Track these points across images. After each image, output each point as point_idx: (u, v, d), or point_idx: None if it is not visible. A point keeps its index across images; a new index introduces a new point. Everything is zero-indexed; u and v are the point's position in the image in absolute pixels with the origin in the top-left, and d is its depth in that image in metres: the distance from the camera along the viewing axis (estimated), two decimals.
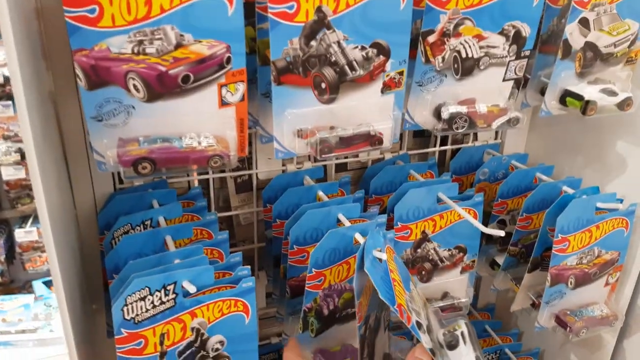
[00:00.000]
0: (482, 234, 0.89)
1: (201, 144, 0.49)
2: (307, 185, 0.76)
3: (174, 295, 0.53)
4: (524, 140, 0.99)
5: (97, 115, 0.47)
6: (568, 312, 0.80)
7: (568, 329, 0.78)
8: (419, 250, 0.79)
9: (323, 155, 0.53)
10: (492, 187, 0.90)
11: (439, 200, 0.77)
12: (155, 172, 0.48)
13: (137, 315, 0.52)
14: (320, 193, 0.76)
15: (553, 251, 0.75)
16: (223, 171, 0.82)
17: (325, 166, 0.87)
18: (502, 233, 0.68)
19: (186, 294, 0.55)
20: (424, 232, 0.78)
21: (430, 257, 0.80)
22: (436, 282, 0.82)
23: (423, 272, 0.81)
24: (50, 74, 0.60)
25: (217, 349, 0.57)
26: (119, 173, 0.73)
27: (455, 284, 0.83)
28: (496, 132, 0.98)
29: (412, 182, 0.79)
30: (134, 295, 0.51)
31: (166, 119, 0.49)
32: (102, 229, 0.68)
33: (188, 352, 0.56)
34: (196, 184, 0.83)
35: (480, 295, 1.10)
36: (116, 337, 0.52)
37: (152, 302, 0.52)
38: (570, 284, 0.79)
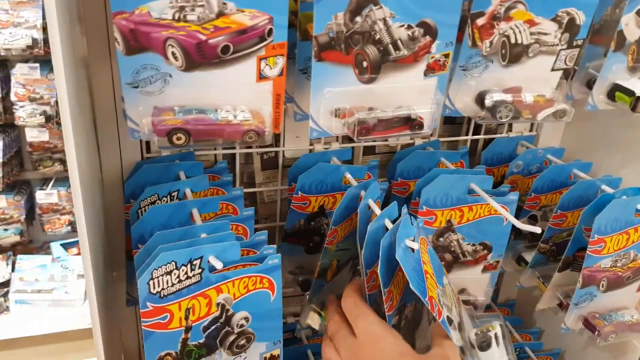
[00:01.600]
0: (511, 231, 0.87)
1: (237, 118, 0.47)
2: (336, 164, 0.75)
3: (200, 270, 0.53)
4: (560, 134, 0.95)
5: (134, 81, 0.46)
6: (597, 315, 0.78)
7: (597, 332, 0.76)
8: (441, 239, 0.77)
9: (360, 137, 0.51)
10: (525, 181, 0.87)
11: (469, 192, 0.75)
12: (189, 143, 0.47)
13: (162, 289, 0.51)
14: (348, 175, 0.74)
15: (588, 252, 0.72)
16: (250, 147, 0.81)
17: (353, 148, 0.85)
18: (538, 230, 0.66)
19: (212, 269, 0.54)
20: (449, 221, 0.76)
21: (452, 249, 0.78)
22: (454, 276, 0.80)
23: (442, 263, 0.79)
24: (85, 38, 0.59)
25: (242, 325, 0.57)
26: (147, 142, 0.73)
27: (475, 282, 0.81)
28: (532, 124, 0.95)
29: (443, 169, 0.76)
30: (160, 269, 0.51)
31: (203, 89, 0.48)
32: (128, 197, 0.67)
33: (213, 327, 0.56)
34: (221, 158, 0.82)
35: (501, 290, 1.08)
36: (142, 310, 0.51)
37: (178, 277, 0.52)
38: (602, 286, 0.76)
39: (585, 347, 0.95)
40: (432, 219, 0.75)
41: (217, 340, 0.56)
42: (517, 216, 0.86)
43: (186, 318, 0.53)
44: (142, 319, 0.51)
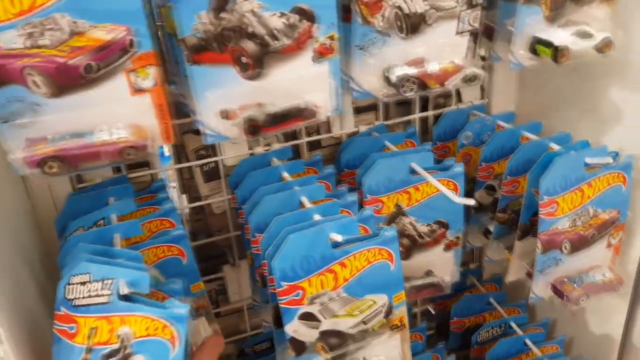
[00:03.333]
0: (467, 207, 0.84)
1: (112, 136, 0.46)
2: (271, 167, 0.73)
3: (109, 292, 0.51)
4: (513, 99, 0.92)
5: (2, 116, 0.45)
6: (566, 280, 0.74)
7: (565, 297, 0.72)
8: (393, 224, 0.74)
9: (250, 136, 0.49)
10: (478, 152, 0.84)
11: (413, 172, 0.72)
12: (68, 170, 0.45)
13: (76, 298, 0.50)
14: (285, 174, 0.72)
15: (540, 215, 0.69)
16: (188, 160, 0.80)
17: (297, 146, 0.83)
18: (472, 202, 0.63)
19: (122, 295, 0.52)
20: (397, 205, 0.74)
21: (407, 233, 0.75)
22: (417, 260, 0.77)
23: (401, 249, 0.76)
24: None
25: None
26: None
27: (440, 262, 0.78)
28: (482, 92, 0.91)
29: (382, 153, 0.74)
30: (77, 277, 0.50)
31: (77, 112, 0.47)
32: (60, 233, 0.66)
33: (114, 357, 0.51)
34: (161, 176, 0.81)
35: (484, 266, 1.04)
36: (55, 312, 0.50)
37: (89, 291, 0.50)
38: (565, 249, 0.73)
39: (574, 314, 0.91)
40: (379, 206, 0.73)
41: None
42: (473, 188, 0.83)
43: (89, 337, 0.51)
44: (54, 321, 0.50)
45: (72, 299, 0.51)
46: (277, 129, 0.51)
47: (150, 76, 0.47)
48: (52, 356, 0.51)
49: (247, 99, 0.50)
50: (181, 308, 0.48)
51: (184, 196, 0.87)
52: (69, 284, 0.50)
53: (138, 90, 0.47)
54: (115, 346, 0.50)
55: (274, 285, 0.58)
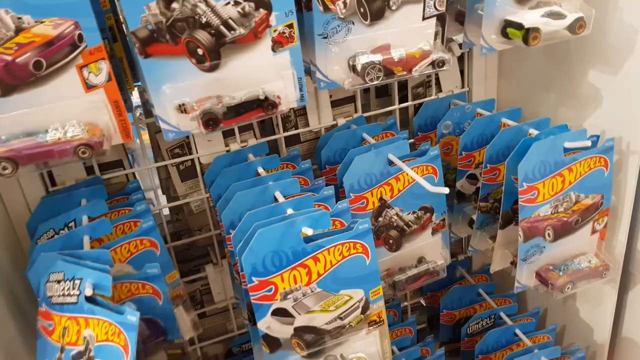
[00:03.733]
0: (454, 195, 0.82)
1: (67, 135, 0.45)
2: (245, 163, 0.72)
3: (77, 292, 0.50)
4: (494, 86, 0.90)
5: None
6: (551, 268, 0.73)
7: (550, 286, 0.71)
8: (380, 219, 0.73)
9: (209, 129, 0.48)
10: (459, 141, 0.83)
11: (391, 163, 0.71)
12: (21, 171, 0.44)
13: (53, 296, 0.50)
14: (260, 170, 0.71)
15: (520, 202, 0.67)
16: (163, 159, 0.79)
17: (275, 142, 0.82)
18: (445, 190, 0.61)
19: (87, 297, 0.51)
20: (381, 198, 0.73)
21: (395, 224, 0.74)
22: (408, 249, 0.76)
23: (390, 241, 0.75)
24: None
25: None
26: (50, 175, 0.72)
27: (429, 246, 0.77)
28: (462, 80, 0.90)
29: (358, 149, 0.72)
30: (54, 274, 0.50)
31: (29, 112, 0.46)
32: (32, 235, 0.66)
33: None
34: (137, 177, 0.80)
35: (473, 257, 1.03)
36: (39, 308, 0.50)
37: (63, 290, 0.50)
38: (548, 236, 0.71)
39: (564, 302, 0.90)
40: (363, 203, 0.72)
41: None
42: (456, 178, 0.82)
43: (62, 336, 0.50)
44: (37, 317, 0.51)
45: (51, 297, 0.51)
46: (237, 121, 0.49)
47: (102, 71, 0.46)
48: (37, 350, 0.52)
49: (204, 91, 0.49)
50: (132, 315, 0.47)
51: (163, 197, 0.86)
52: (48, 282, 0.51)
53: (91, 87, 0.46)
54: (81, 348, 0.50)
55: (245, 282, 0.57)
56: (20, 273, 0.68)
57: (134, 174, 0.79)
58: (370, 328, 0.61)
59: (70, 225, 0.63)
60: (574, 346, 0.84)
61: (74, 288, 0.51)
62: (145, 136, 0.81)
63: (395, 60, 0.54)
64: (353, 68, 0.55)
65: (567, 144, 0.67)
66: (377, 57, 0.54)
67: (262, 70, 0.51)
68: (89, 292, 0.49)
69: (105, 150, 0.46)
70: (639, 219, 0.74)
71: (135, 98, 0.72)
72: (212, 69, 0.49)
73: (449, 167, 0.84)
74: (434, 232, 0.76)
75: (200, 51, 0.48)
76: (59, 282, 0.51)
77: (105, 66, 0.46)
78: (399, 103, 0.84)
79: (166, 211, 0.89)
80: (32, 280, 0.55)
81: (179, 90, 0.49)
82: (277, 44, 0.50)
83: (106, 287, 0.49)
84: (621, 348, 0.84)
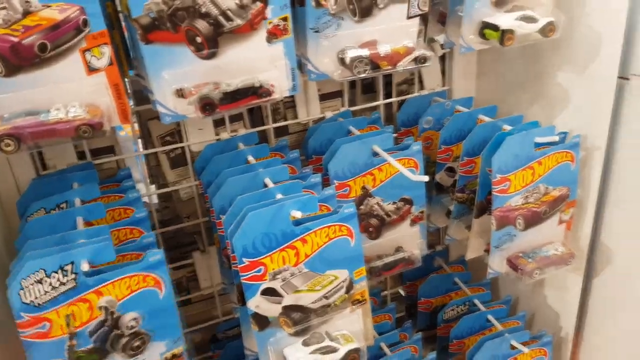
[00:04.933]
0: (433, 187, 0.87)
1: (68, 115, 0.47)
2: (236, 151, 0.74)
3: (73, 276, 0.52)
4: (473, 85, 0.95)
5: None
6: (521, 255, 0.78)
7: (520, 271, 0.76)
8: (362, 207, 0.77)
9: (205, 114, 0.51)
10: (439, 136, 0.87)
11: (376, 154, 0.75)
12: (21, 149, 0.46)
13: (36, 298, 0.51)
14: (250, 158, 0.73)
15: (493, 192, 0.72)
16: (153, 146, 0.81)
17: (264, 132, 0.85)
18: (425, 178, 0.65)
19: (89, 273, 0.53)
20: (364, 187, 0.76)
21: (376, 213, 0.78)
22: (387, 238, 0.80)
23: (370, 229, 0.78)
24: None
25: (132, 327, 0.56)
26: (41, 158, 0.73)
27: (407, 237, 0.81)
28: (443, 78, 0.94)
29: (344, 138, 0.76)
30: (29, 278, 0.50)
31: (33, 92, 0.47)
32: (21, 214, 0.67)
33: (100, 331, 0.55)
34: (127, 164, 0.82)
35: (450, 248, 1.08)
36: (17, 321, 0.51)
37: (51, 284, 0.51)
38: (519, 225, 0.76)
39: (533, 290, 0.95)
40: (346, 190, 0.75)
41: (109, 344, 0.55)
42: (435, 171, 0.86)
43: (68, 325, 0.52)
44: (19, 330, 0.51)
45: (32, 301, 0.51)
46: (232, 107, 0.52)
47: (104, 55, 0.48)
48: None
49: (202, 77, 0.52)
50: (156, 255, 0.52)
51: (153, 186, 0.88)
52: (21, 289, 0.51)
53: (93, 70, 0.49)
54: (101, 317, 0.53)
55: (236, 263, 0.60)
56: (8, 251, 0.69)
57: (124, 161, 0.81)
58: (354, 307, 0.64)
59: (62, 206, 0.65)
60: (541, 331, 0.89)
61: (64, 276, 0.52)
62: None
63: (381, 55, 0.58)
64: (342, 61, 0.59)
65: (538, 139, 0.72)
66: (365, 52, 0.58)
67: (257, 60, 0.53)
68: (86, 267, 0.51)
69: (106, 130, 0.48)
70: (604, 210, 0.79)
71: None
72: (210, 56, 0.52)
73: (428, 161, 0.88)
74: (412, 223, 0.80)
75: (199, 39, 0.51)
76: (39, 281, 0.51)
77: (107, 50, 0.48)
78: (384, 99, 0.88)
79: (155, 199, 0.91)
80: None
81: (178, 76, 0.51)
82: (272, 36, 0.53)
83: (109, 254, 0.52)
84: (586, 332, 0.90)
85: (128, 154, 0.78)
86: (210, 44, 0.51)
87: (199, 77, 0.52)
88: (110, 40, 0.48)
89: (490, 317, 0.91)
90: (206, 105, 0.51)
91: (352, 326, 0.66)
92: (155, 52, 0.50)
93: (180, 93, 0.51)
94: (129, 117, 0.52)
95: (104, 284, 0.53)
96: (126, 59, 0.61)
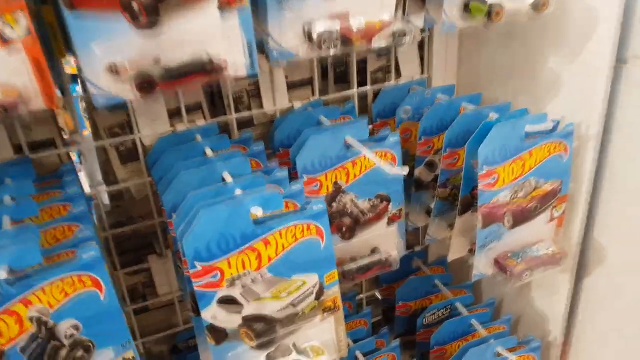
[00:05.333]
0: (412, 183, 0.80)
1: None
2: (191, 143, 0.66)
3: None
4: (454, 73, 0.88)
5: None
6: (509, 255, 0.72)
7: (508, 272, 0.70)
8: (334, 204, 0.70)
9: (143, 94, 0.43)
10: (418, 127, 0.80)
11: (349, 146, 0.68)
12: None
13: None
14: (208, 150, 0.66)
15: (479, 187, 0.65)
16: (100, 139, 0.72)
17: (226, 124, 0.77)
18: (405, 170, 0.59)
19: (11, 280, 0.45)
20: (336, 183, 0.69)
21: (349, 211, 0.71)
22: (361, 238, 0.73)
23: (343, 229, 0.71)
24: None
25: (71, 335, 0.49)
26: None
27: (384, 237, 0.74)
28: (422, 66, 0.88)
29: (314, 128, 0.69)
30: None
31: None
32: None
33: (33, 345, 0.48)
34: (74, 157, 0.73)
35: (429, 248, 1.01)
36: None
37: None
38: (507, 222, 0.70)
39: (519, 292, 0.89)
40: (316, 186, 0.68)
41: (46, 359, 0.49)
42: (414, 165, 0.79)
43: None
44: None
45: None
46: (175, 85, 0.44)
47: (20, 24, 0.40)
48: None
49: (140, 51, 0.44)
50: (90, 251, 0.46)
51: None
52: None
53: (6, 41, 0.40)
54: (32, 330, 0.47)
55: (187, 268, 0.52)
56: None
57: (68, 155, 0.72)
58: (325, 314, 0.57)
59: None
60: (528, 336, 0.83)
61: None
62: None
63: (354, 29, 0.51)
64: (308, 35, 0.51)
65: (528, 127, 0.66)
66: (335, 25, 0.51)
67: (205, 31, 0.46)
68: (3, 274, 0.43)
69: (21, 113, 0.40)
70: (597, 205, 0.74)
71: None
72: (149, 26, 0.44)
73: (407, 155, 0.82)
74: (389, 222, 0.74)
75: (135, 5, 0.43)
76: None
77: (24, 18, 0.40)
78: (358, 87, 0.81)
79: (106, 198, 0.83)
80: None
81: (111, 49, 0.43)
82: (225, 4, 0.46)
83: (33, 255, 0.45)
84: (576, 337, 0.84)
85: (71, 148, 0.69)
86: (149, 12, 0.43)
87: (137, 51, 0.44)
88: (27, 8, 0.40)
89: (473, 321, 0.85)
90: (144, 83, 0.43)
91: (323, 336, 0.59)
92: (83, 20, 0.42)
93: (114, 69, 0.43)
94: (54, 99, 0.43)
95: (31, 291, 0.46)
96: (63, 37, 0.53)
